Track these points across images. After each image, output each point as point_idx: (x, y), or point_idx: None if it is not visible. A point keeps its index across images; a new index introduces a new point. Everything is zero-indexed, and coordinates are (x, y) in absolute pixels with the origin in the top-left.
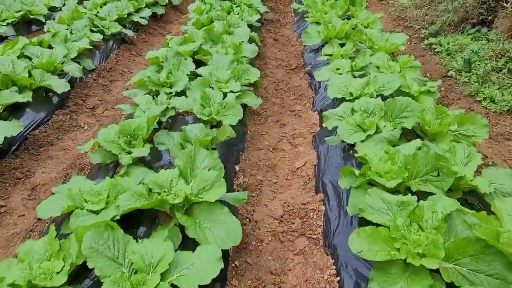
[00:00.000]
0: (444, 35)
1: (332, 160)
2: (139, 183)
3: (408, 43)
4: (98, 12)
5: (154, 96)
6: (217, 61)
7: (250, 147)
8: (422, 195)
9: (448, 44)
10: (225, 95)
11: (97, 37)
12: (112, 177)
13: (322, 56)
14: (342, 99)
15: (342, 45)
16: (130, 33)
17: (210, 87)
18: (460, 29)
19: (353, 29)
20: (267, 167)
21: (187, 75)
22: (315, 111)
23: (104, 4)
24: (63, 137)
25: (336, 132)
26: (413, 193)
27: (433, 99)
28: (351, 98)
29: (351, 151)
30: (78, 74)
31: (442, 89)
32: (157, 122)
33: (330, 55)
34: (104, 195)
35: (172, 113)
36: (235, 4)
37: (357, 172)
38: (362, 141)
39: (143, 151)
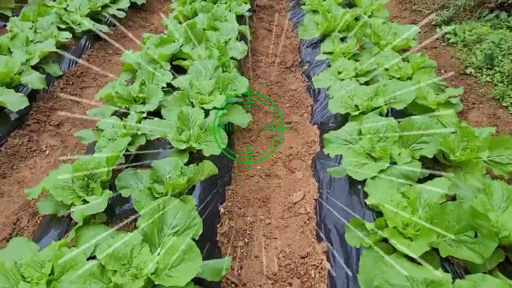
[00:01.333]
0: (458, 22)
1: (336, 194)
2: (90, 255)
3: (418, 32)
4: (68, 5)
5: (123, 117)
6: (199, 68)
7: (238, 176)
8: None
9: (464, 33)
10: (207, 112)
11: (66, 36)
12: (67, 231)
13: (321, 55)
14: (347, 114)
15: (343, 39)
16: (105, 28)
17: (190, 102)
18: (477, 15)
19: (356, 19)
20: (259, 201)
21: (163, 88)
22: (314, 124)
23: None
24: (19, 166)
25: (340, 160)
26: (441, 259)
27: (455, 112)
28: (357, 113)
29: (360, 186)
30: (39, 85)
31: None
32: (124, 154)
33: (331, 53)
34: (47, 268)
35: (142, 141)
36: None
37: (369, 225)
38: (373, 178)
39: (98, 205)
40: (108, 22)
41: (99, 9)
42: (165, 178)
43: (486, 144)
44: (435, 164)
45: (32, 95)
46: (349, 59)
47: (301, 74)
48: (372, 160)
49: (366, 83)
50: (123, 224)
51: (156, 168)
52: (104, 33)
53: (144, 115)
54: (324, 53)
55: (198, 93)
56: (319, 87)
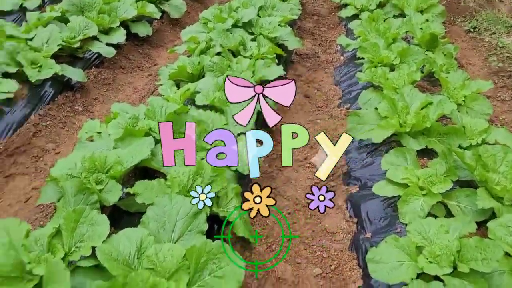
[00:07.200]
0: None
1: None
2: None
3: None
4: (33, 37)
5: None
6: (164, 212)
7: None
8: None
9: None
10: None
11: (8, 88)
12: None
13: (384, 183)
14: None
15: (422, 153)
16: (77, 76)
17: None
18: None
19: (442, 122)
20: None
21: (83, 259)
22: None
23: (48, 23)
24: None
25: None
26: None
27: None
28: None
29: None
30: None
31: None
32: None
33: (401, 184)
34: None
35: None
36: (251, 34)
37: None
38: None
39: None
40: (95, 59)
41: (78, 44)
42: None
43: None
44: None
45: None
46: (432, 214)
47: (346, 201)
48: None
49: None
50: None
51: None
52: (78, 82)
53: None
54: (389, 181)
55: (151, 269)
56: (382, 280)
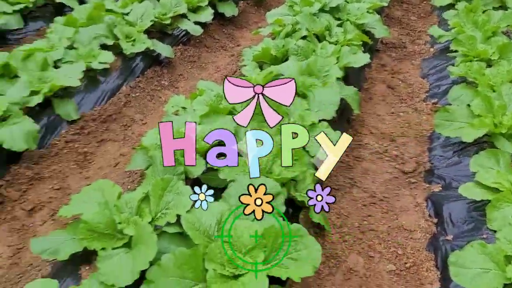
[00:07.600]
0: None
1: None
2: None
3: None
4: (129, 12)
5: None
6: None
7: None
8: None
9: None
10: None
11: (105, 58)
12: None
13: (472, 185)
14: None
15: None
16: (166, 52)
17: (204, 270)
18: None
19: None
20: None
21: (169, 224)
22: None
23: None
24: None
25: None
26: None
27: None
28: None
29: None
30: (22, 145)
31: None
32: None
33: (492, 189)
34: None
35: None
36: (338, 19)
37: None
38: None
39: None
40: (183, 35)
41: (168, 21)
42: None
43: None
44: None
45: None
46: None
47: (426, 200)
48: None
49: None
50: None
51: None
52: (166, 58)
53: None
54: (478, 183)
55: (230, 243)
56: (464, 285)
